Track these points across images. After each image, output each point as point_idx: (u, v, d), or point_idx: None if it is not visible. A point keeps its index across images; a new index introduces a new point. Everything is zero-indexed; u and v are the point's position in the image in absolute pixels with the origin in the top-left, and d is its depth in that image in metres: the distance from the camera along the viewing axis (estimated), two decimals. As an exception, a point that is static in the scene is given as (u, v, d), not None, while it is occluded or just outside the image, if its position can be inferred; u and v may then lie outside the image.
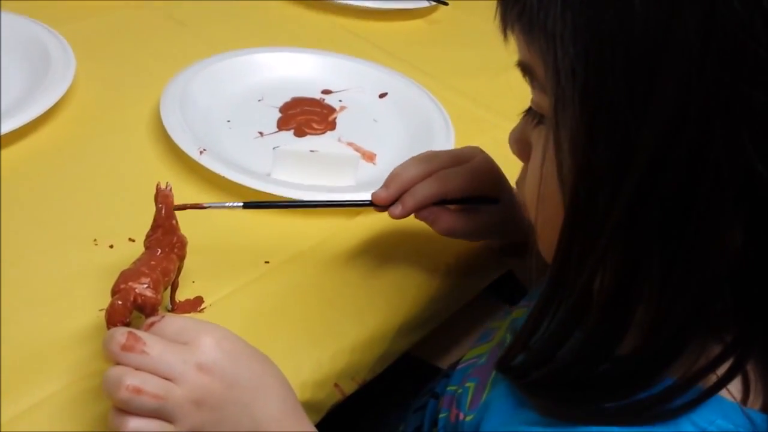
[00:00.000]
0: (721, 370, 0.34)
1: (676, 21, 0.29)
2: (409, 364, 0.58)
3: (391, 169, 0.54)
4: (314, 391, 0.50)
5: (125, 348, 0.40)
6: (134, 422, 0.39)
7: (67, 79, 0.68)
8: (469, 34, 0.92)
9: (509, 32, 0.36)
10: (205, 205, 0.51)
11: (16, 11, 0.75)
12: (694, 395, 0.34)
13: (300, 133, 0.72)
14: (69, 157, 0.64)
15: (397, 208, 0.52)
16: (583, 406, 0.36)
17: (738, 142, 0.29)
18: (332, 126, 0.73)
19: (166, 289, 0.48)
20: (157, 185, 0.49)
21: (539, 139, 0.36)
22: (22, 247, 0.55)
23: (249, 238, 0.59)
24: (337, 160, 0.65)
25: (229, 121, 0.71)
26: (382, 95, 0.78)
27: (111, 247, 0.56)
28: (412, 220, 0.55)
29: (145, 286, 0.45)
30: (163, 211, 0.48)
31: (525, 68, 0.36)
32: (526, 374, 0.38)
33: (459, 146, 0.69)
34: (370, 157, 0.70)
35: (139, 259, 0.47)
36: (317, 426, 0.50)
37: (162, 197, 0.48)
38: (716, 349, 0.34)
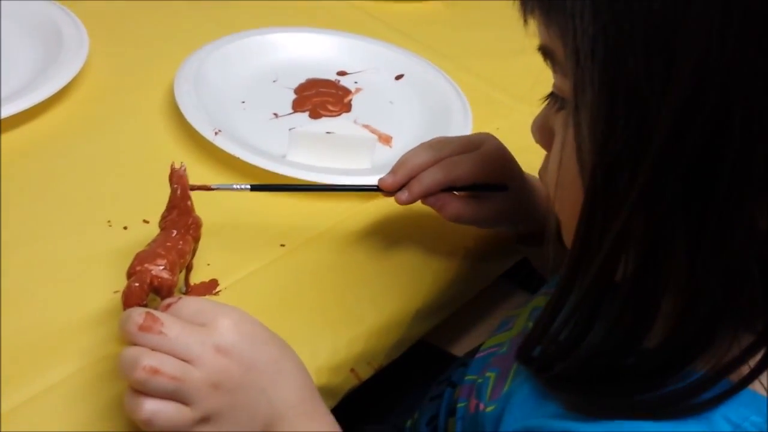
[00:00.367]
0: (754, 362, 0.33)
1: None
2: (421, 350, 0.58)
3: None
4: (330, 376, 0.50)
5: (143, 328, 0.39)
6: (150, 403, 0.39)
7: (80, 58, 0.68)
8: (486, 15, 0.90)
9: (529, 16, 0.35)
10: (212, 186, 0.50)
11: (29, -11, 0.75)
12: (725, 388, 0.33)
13: (315, 114, 0.71)
14: (82, 137, 0.63)
15: (404, 194, 0.52)
16: (609, 400, 0.35)
17: (760, 117, 0.29)
18: (348, 108, 0.72)
19: (181, 271, 0.48)
20: (172, 165, 0.48)
21: (561, 125, 0.36)
22: (35, 228, 0.54)
23: (264, 220, 0.58)
24: (353, 143, 0.64)
25: (243, 102, 0.70)
26: (398, 77, 0.77)
27: (125, 228, 0.55)
28: (428, 204, 0.55)
29: (162, 267, 0.44)
30: (178, 192, 0.48)
31: (546, 52, 0.36)
32: (548, 366, 0.37)
33: (476, 129, 0.69)
34: (386, 139, 0.69)
35: (154, 241, 0.47)
36: (332, 411, 0.49)
37: (177, 178, 0.48)
38: (747, 340, 0.33)
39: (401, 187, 0.53)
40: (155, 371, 0.38)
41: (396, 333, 0.54)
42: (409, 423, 0.57)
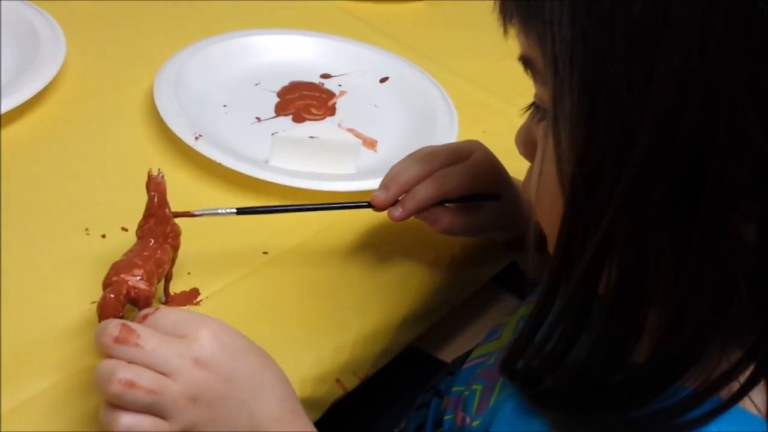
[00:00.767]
0: (743, 378, 0.32)
1: (677, 1, 0.28)
2: (408, 355, 0.57)
3: (392, 156, 0.53)
4: (315, 387, 0.49)
5: (118, 340, 0.38)
6: (126, 418, 0.38)
7: (57, 61, 0.66)
8: (471, 16, 0.90)
9: (509, 24, 0.35)
10: (196, 213, 0.49)
11: (3, -10, 0.73)
12: (714, 405, 0.32)
13: (299, 118, 0.69)
14: (59, 142, 0.62)
15: (397, 210, 0.52)
16: (596, 418, 0.34)
17: (743, 125, 0.28)
18: (332, 111, 0.71)
19: (160, 281, 0.47)
20: (149, 172, 0.47)
21: (543, 135, 0.35)
22: (9, 236, 0.53)
23: (246, 227, 0.57)
24: (337, 147, 0.63)
25: (225, 105, 0.69)
26: (383, 80, 0.76)
27: (103, 236, 0.54)
28: (414, 209, 0.54)
29: (138, 278, 0.43)
30: (155, 200, 0.46)
31: (526, 61, 0.35)
32: (534, 381, 0.36)
33: (462, 131, 0.68)
34: (371, 143, 0.68)
35: (131, 250, 0.45)
36: (319, 419, 0.48)
37: (154, 185, 0.46)
38: (737, 355, 0.32)
39: (394, 203, 0.52)
40: (131, 384, 0.37)
41: (382, 341, 0.53)
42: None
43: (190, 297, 0.51)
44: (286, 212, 0.54)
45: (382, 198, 0.52)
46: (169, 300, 0.50)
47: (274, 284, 0.53)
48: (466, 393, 0.46)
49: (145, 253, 0.45)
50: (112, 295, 0.42)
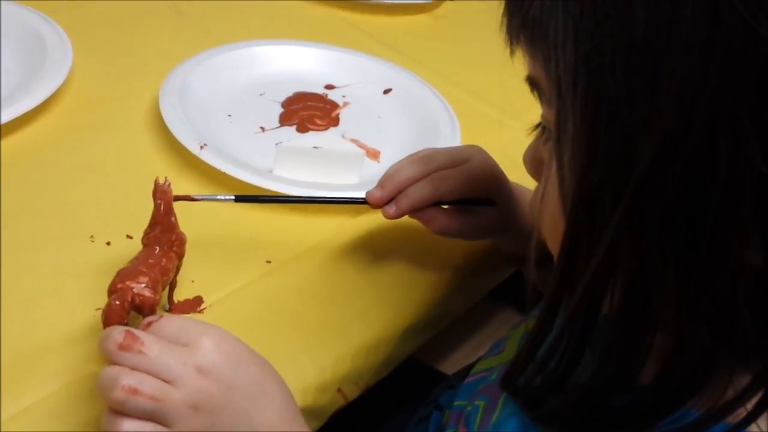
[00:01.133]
0: (751, 404, 0.32)
1: (679, 27, 0.28)
2: (409, 366, 0.57)
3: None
4: (316, 397, 0.49)
5: (122, 347, 0.38)
6: (128, 424, 0.38)
7: (63, 70, 0.66)
8: (474, 29, 0.91)
9: (515, 46, 0.35)
10: (196, 197, 0.49)
11: (11, -1, 0.74)
12: (721, 431, 0.32)
13: (302, 128, 0.70)
14: (65, 150, 0.62)
15: (391, 209, 0.52)
16: None
17: (744, 150, 0.28)
18: (335, 122, 0.71)
19: (164, 288, 0.47)
20: (156, 181, 0.47)
21: (548, 156, 0.36)
22: (15, 243, 0.53)
23: (250, 236, 0.57)
24: (341, 158, 0.63)
25: (229, 115, 0.70)
26: (386, 91, 0.76)
27: (108, 244, 0.54)
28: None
29: (143, 285, 0.43)
30: (161, 208, 0.47)
31: (532, 82, 0.35)
32: (537, 400, 0.36)
33: (464, 143, 0.68)
34: (374, 154, 0.69)
35: (136, 258, 0.46)
36: (320, 429, 0.48)
37: (161, 193, 0.47)
38: (745, 380, 0.32)
39: (388, 201, 0.52)
40: (134, 391, 0.37)
41: (384, 351, 0.53)
42: (396, 445, 0.56)
43: (194, 305, 0.51)
44: (281, 203, 0.55)
45: (377, 195, 0.52)
46: (173, 308, 0.50)
47: (276, 293, 0.53)
48: (469, 408, 0.46)
49: (151, 261, 0.45)
50: (117, 302, 0.42)
